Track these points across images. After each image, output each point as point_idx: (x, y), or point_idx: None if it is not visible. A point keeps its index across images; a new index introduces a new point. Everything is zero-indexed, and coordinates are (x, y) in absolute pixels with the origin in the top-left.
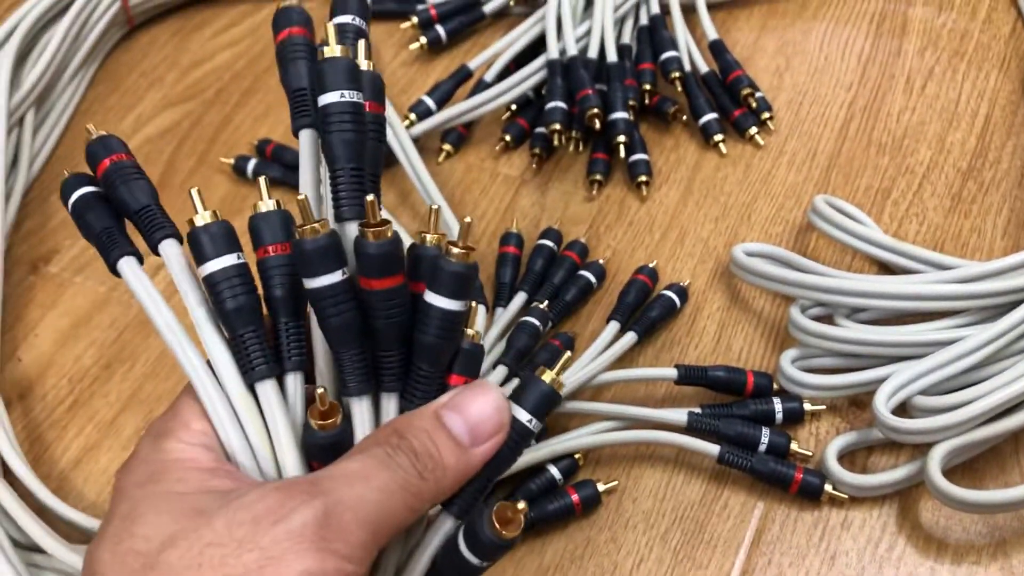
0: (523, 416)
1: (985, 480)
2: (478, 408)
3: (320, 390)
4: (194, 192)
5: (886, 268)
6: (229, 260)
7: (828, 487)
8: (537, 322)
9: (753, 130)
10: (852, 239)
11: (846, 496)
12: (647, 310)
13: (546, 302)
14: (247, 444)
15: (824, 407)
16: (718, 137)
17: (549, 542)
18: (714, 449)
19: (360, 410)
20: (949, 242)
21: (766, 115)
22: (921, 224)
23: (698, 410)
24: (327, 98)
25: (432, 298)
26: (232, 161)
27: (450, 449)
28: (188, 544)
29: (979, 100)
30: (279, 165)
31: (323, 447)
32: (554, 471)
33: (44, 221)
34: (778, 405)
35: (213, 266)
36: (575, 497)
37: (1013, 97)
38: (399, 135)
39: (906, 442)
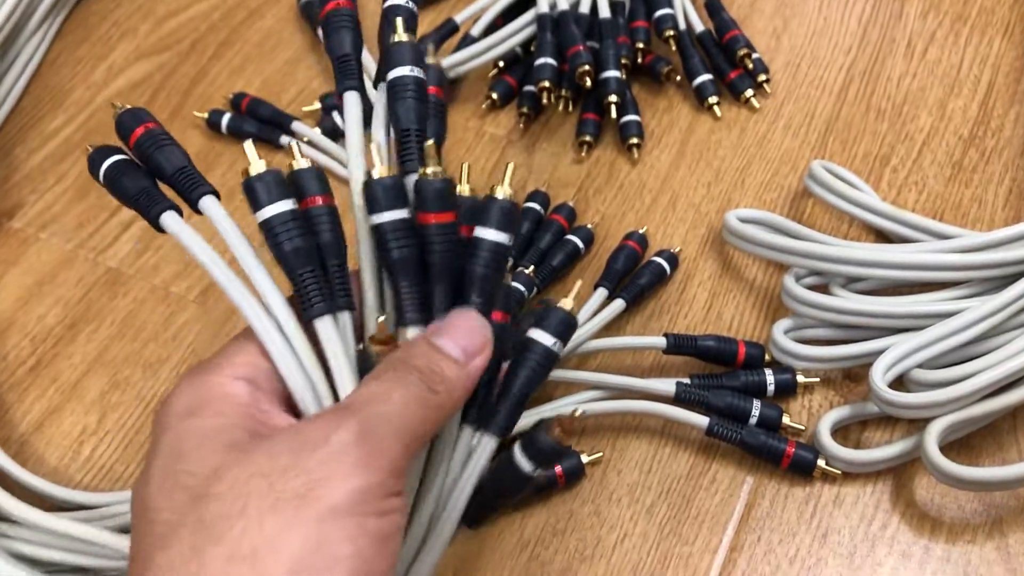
0: (548, 340)
1: (982, 457)
2: (463, 330)
3: (381, 319)
4: (248, 144)
5: (884, 237)
6: (285, 205)
7: (821, 462)
8: (522, 288)
9: (749, 93)
10: (850, 206)
11: (839, 472)
12: (636, 277)
13: (532, 267)
14: (306, 377)
15: (818, 379)
16: (713, 99)
17: (530, 515)
18: (703, 421)
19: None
20: (949, 211)
21: (763, 77)
22: (920, 192)
23: (687, 380)
24: (399, 71)
25: (482, 232)
26: (206, 115)
27: (448, 365)
28: (234, 476)
29: (982, 66)
30: (254, 120)
31: None
32: None
33: (8, 175)
34: (770, 377)
35: (271, 211)
36: (558, 469)
37: (1017, 64)
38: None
39: (903, 417)
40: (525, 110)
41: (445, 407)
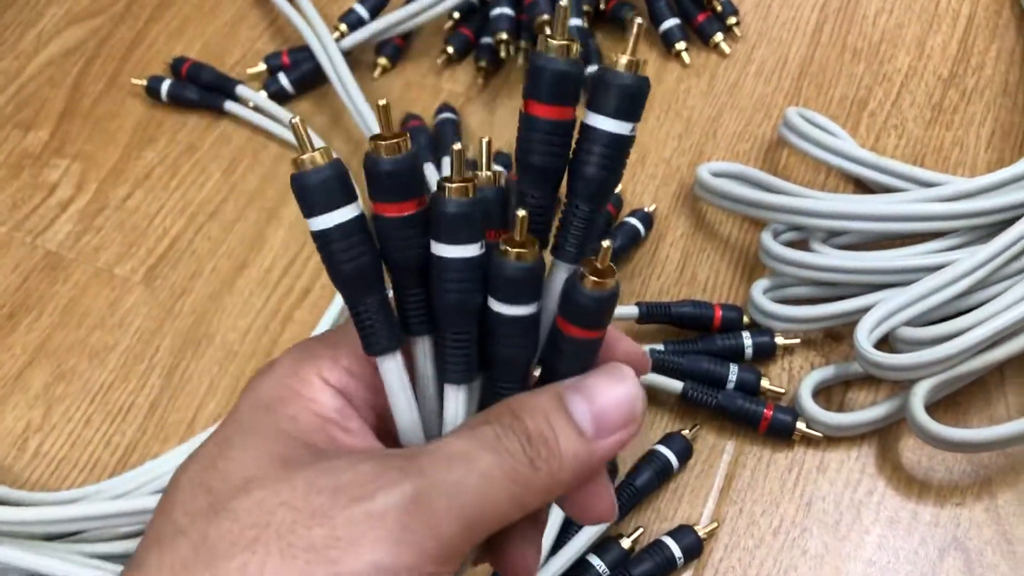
0: None
1: (969, 415)
2: (610, 395)
3: (606, 243)
4: (297, 121)
5: (864, 187)
6: (351, 212)
7: (800, 425)
8: None
9: (718, 37)
10: (827, 154)
11: (820, 435)
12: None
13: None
14: (412, 406)
15: (798, 340)
16: (680, 46)
17: None
18: (677, 385)
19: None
20: (930, 156)
21: (732, 20)
22: (900, 137)
23: (661, 347)
24: None
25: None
26: (145, 82)
27: (569, 436)
28: (262, 496)
29: (960, 0)
30: (196, 85)
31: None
32: None
33: None
34: (748, 340)
35: (330, 220)
36: None
37: None
38: (328, 49)
39: (890, 379)
40: (483, 64)
41: (544, 493)
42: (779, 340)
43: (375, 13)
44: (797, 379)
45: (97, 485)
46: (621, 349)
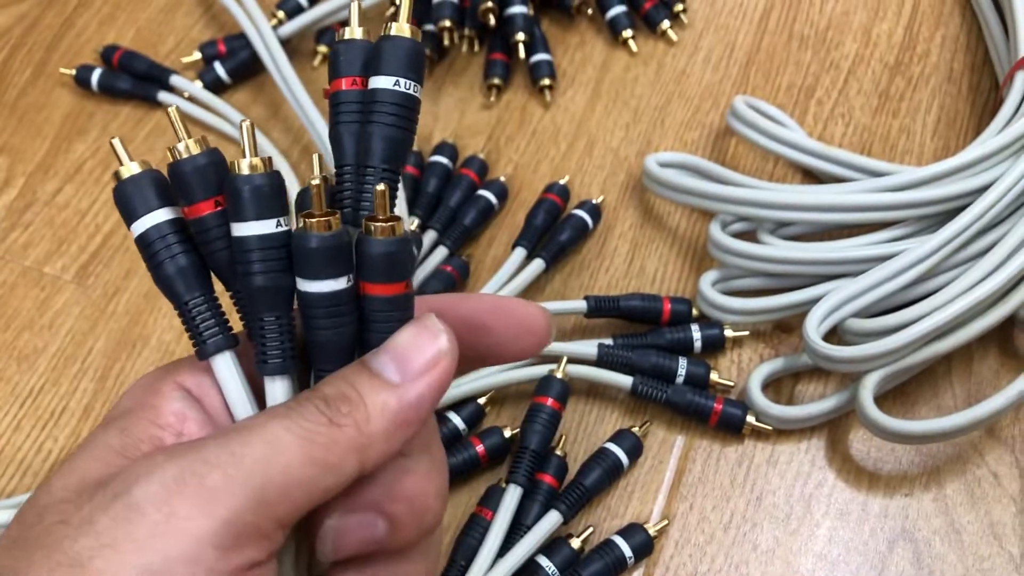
0: None
1: (918, 405)
2: (409, 339)
3: (380, 187)
4: (116, 142)
5: (812, 176)
6: (166, 215)
7: (750, 418)
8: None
9: (665, 24)
10: (775, 144)
11: (770, 428)
12: (556, 233)
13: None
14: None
15: (747, 332)
16: (627, 33)
17: (451, 497)
18: (627, 381)
19: None
20: (877, 144)
21: (679, 7)
22: (847, 125)
23: (609, 342)
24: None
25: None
26: (74, 72)
27: (373, 387)
28: (49, 520)
29: None
30: (128, 75)
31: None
32: (456, 420)
33: None
34: (696, 332)
35: (147, 222)
36: (480, 448)
37: None
38: (265, 36)
39: (839, 371)
40: (427, 52)
41: (357, 446)
42: (728, 332)
43: (314, 0)
44: (746, 371)
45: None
46: (519, 312)
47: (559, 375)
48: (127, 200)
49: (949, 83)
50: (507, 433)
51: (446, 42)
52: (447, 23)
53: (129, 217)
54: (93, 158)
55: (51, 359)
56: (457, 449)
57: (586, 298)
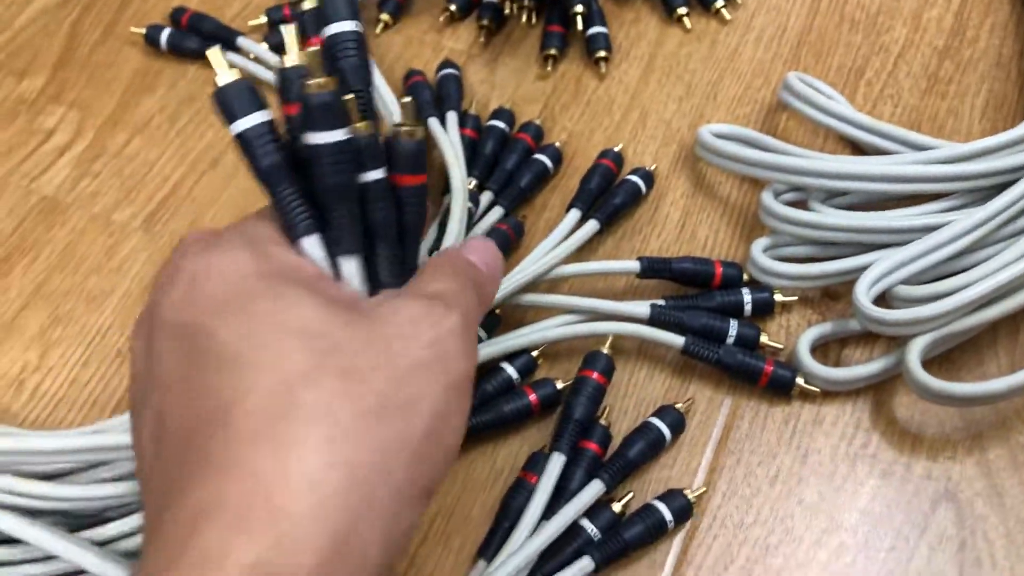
0: None
1: (962, 372)
2: (480, 248)
3: (406, 99)
4: (214, 51)
5: (861, 152)
6: (261, 117)
7: (800, 380)
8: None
9: (719, 3)
10: (827, 117)
11: (818, 390)
12: (610, 196)
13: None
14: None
15: (796, 298)
16: (682, 11)
17: (503, 445)
18: (679, 340)
19: None
20: (925, 124)
21: None
22: (896, 106)
23: (661, 302)
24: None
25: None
26: (144, 31)
27: (480, 275)
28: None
29: None
30: (196, 35)
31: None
32: (510, 370)
33: None
34: (747, 296)
35: (245, 123)
36: (533, 397)
37: None
38: None
39: (887, 334)
40: (486, 22)
41: (487, 306)
42: (778, 297)
43: None
44: (795, 336)
45: (105, 422)
46: (470, 244)
47: (605, 350)
48: (228, 103)
49: (998, 68)
50: (559, 384)
51: (506, 12)
52: None
53: (231, 117)
54: (161, 113)
55: (118, 301)
56: (511, 397)
57: (639, 259)
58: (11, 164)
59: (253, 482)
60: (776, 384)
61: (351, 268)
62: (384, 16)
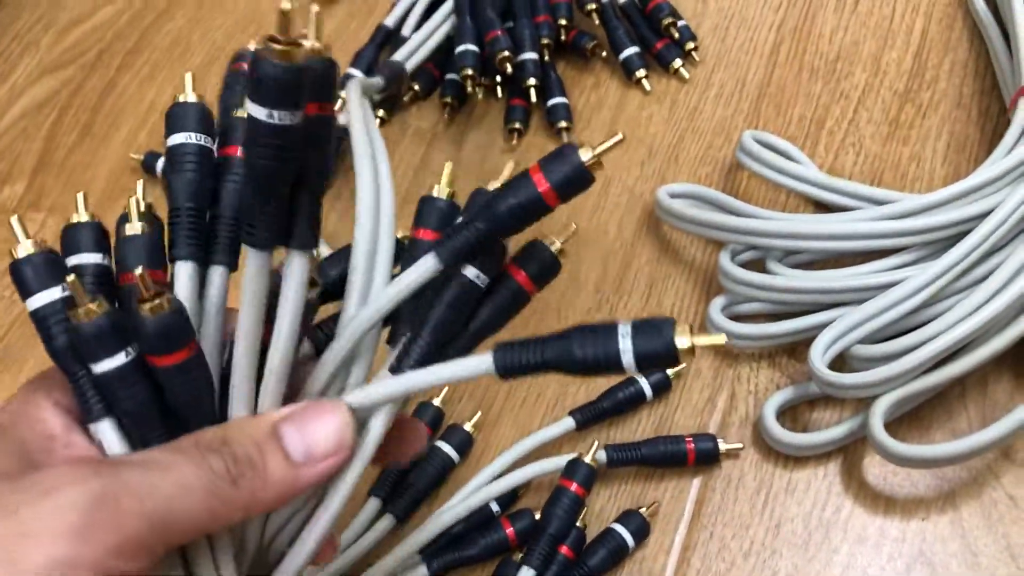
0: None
1: (932, 428)
2: (321, 426)
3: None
4: (15, 220)
5: (823, 207)
6: (57, 293)
7: (721, 444)
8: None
9: (677, 63)
10: (783, 177)
11: (740, 446)
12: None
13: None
14: None
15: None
16: (640, 73)
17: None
18: (601, 455)
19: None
20: (888, 171)
21: (690, 45)
22: (858, 154)
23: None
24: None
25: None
26: (142, 157)
27: (278, 463)
28: None
29: (914, 15)
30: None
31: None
32: (492, 504)
33: None
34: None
35: (41, 299)
36: (510, 531)
37: (949, 10)
38: None
39: (847, 397)
40: (449, 100)
41: (244, 508)
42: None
43: (369, 72)
44: (762, 399)
45: None
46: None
47: (587, 459)
48: (23, 277)
49: (959, 108)
50: (537, 516)
51: (469, 89)
52: (469, 71)
53: (25, 293)
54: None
55: None
56: (487, 531)
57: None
58: None
59: None
60: (703, 458)
61: (104, 432)
62: (380, 113)
